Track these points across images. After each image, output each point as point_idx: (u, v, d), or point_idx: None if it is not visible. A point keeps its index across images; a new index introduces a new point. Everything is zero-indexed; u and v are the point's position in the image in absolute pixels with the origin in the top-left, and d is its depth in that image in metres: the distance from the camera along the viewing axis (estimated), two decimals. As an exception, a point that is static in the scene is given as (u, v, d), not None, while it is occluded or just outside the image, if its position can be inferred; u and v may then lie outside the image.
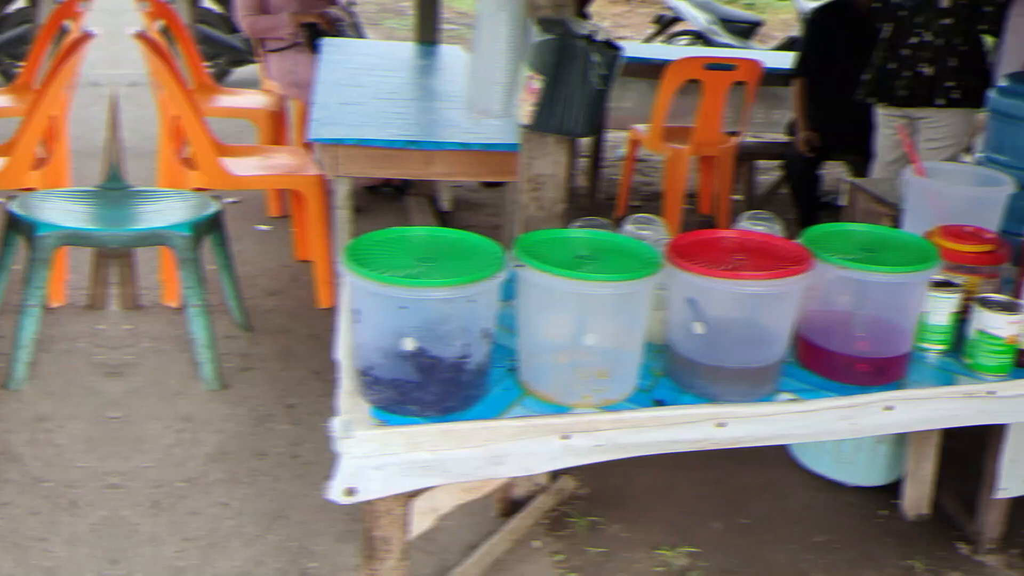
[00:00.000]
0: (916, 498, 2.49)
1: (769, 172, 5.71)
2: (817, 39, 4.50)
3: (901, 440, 2.47)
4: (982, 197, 1.94)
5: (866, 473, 2.58)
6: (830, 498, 2.57)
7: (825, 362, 1.60)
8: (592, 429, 1.47)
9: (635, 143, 4.83)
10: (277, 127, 4.59)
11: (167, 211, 2.99)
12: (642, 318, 1.50)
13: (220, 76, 7.35)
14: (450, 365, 1.44)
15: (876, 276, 1.51)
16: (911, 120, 3.85)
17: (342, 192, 2.84)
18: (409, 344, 1.42)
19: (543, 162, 2.16)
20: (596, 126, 2.12)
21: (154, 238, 2.87)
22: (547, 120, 2.05)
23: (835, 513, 2.51)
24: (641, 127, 4.70)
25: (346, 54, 4.37)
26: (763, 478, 2.62)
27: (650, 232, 1.85)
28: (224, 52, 7.41)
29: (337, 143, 2.78)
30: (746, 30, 8.57)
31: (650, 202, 5.47)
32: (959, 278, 1.74)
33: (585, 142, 5.21)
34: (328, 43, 4.57)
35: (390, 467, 1.43)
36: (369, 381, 1.47)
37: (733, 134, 4.64)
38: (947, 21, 3.63)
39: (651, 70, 4.65)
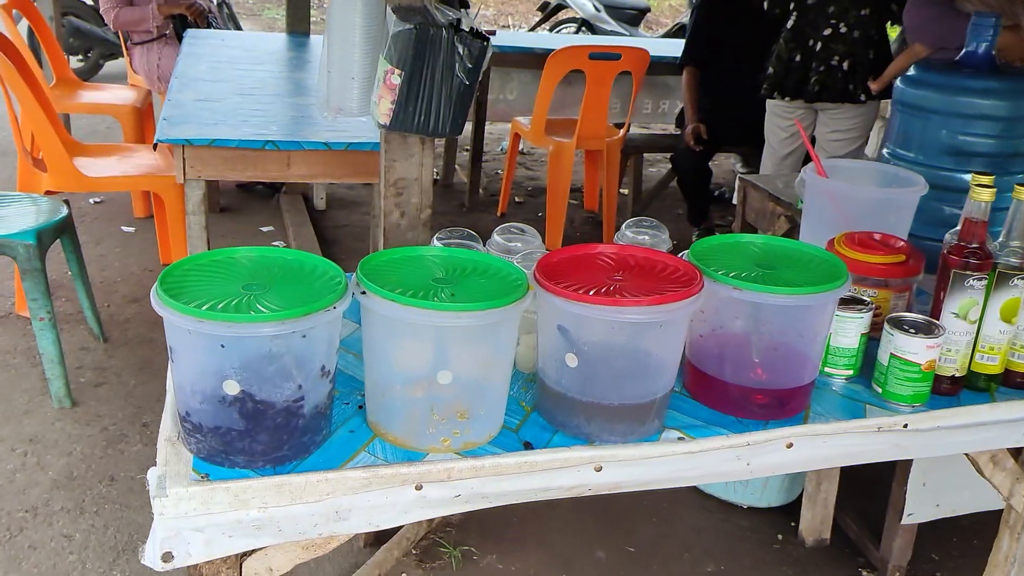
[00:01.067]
0: (816, 522, 2.34)
1: (660, 165, 5.59)
2: (705, 27, 4.35)
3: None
4: (891, 199, 1.78)
5: (762, 494, 2.43)
6: (723, 521, 2.40)
7: (718, 394, 1.40)
8: (450, 478, 1.24)
9: (517, 136, 4.61)
10: (143, 123, 4.27)
11: (12, 218, 2.74)
12: (507, 350, 1.27)
13: (92, 70, 6.96)
14: (281, 410, 1.19)
15: (774, 298, 1.31)
16: (812, 111, 3.72)
17: (193, 197, 2.52)
18: (231, 388, 1.16)
19: (406, 165, 1.91)
20: (463, 123, 1.87)
21: (-3, 247, 2.61)
22: (408, 119, 1.80)
23: (728, 538, 2.34)
24: (524, 120, 4.48)
25: (209, 46, 4.02)
26: (650, 500, 2.44)
27: (521, 244, 1.62)
28: (96, 45, 6.99)
29: (186, 144, 2.46)
30: (634, 17, 8.45)
31: (535, 197, 5.27)
32: (868, 292, 1.57)
33: (466, 135, 4.97)
34: (191, 35, 4.22)
35: (213, 528, 1.19)
36: (189, 428, 1.20)
37: (621, 126, 4.47)
38: (864, 12, 3.50)
39: (534, 60, 4.44)
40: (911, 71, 1.96)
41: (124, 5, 4.39)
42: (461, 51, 1.77)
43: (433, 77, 1.77)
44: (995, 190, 1.41)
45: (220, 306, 1.14)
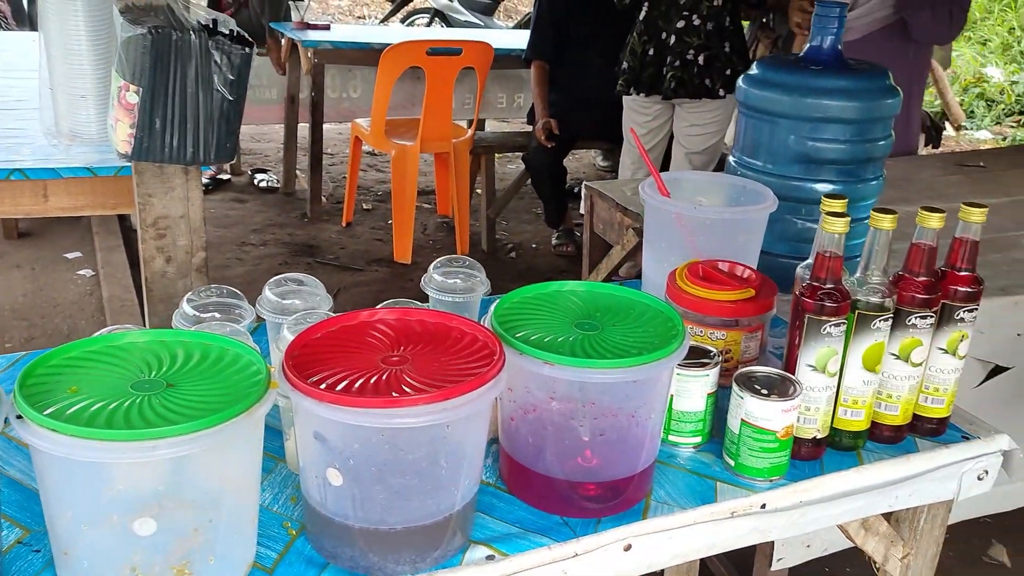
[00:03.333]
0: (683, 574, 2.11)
1: (519, 161, 5.36)
2: (548, 18, 4.09)
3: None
4: (738, 219, 1.54)
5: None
6: None
7: (538, 489, 1.11)
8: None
9: (359, 140, 4.26)
10: None
11: None
12: (247, 469, 0.96)
13: None
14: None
15: (601, 373, 1.04)
16: (670, 106, 3.53)
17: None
18: None
19: (165, 201, 1.56)
20: (234, 146, 1.52)
21: None
22: (156, 146, 1.46)
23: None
24: (364, 121, 4.14)
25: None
26: None
27: (298, 300, 1.30)
28: None
29: None
30: (488, 6, 8.18)
31: (385, 202, 4.93)
32: (715, 335, 1.32)
33: (304, 136, 4.60)
34: None
35: None
36: None
37: (471, 124, 4.18)
38: (717, 2, 3.30)
39: (375, 55, 4.10)
40: (753, 70, 1.73)
41: None
42: (219, 60, 1.44)
43: (184, 93, 1.43)
44: (849, 219, 1.17)
45: None
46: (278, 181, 5.02)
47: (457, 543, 1.04)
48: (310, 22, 4.52)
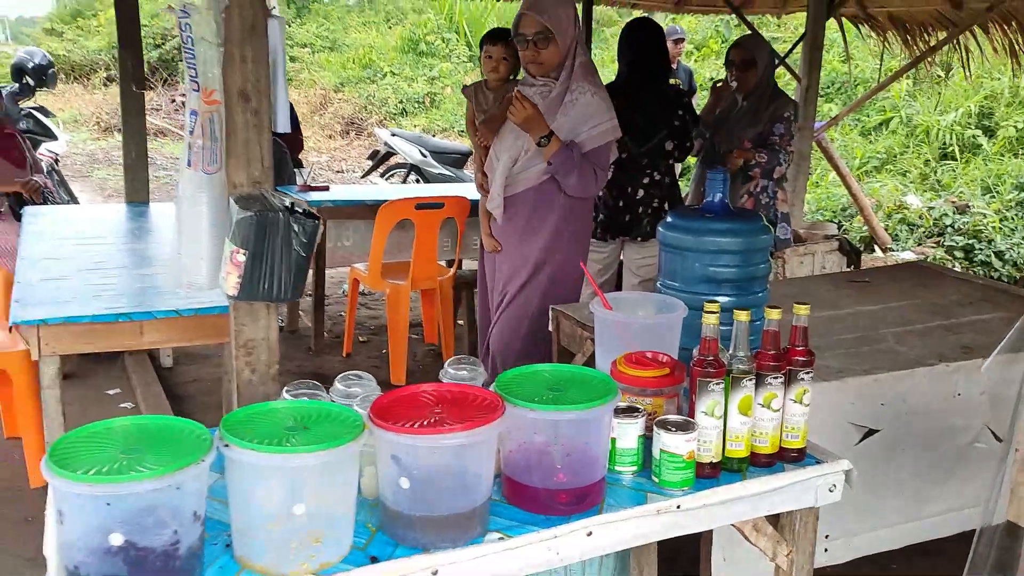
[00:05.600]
0: (642, 602, 2.66)
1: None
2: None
3: (626, 566, 2.64)
4: (659, 323, 2.18)
5: (595, 586, 2.73)
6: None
7: (528, 497, 1.71)
8: (318, 595, 1.50)
9: (356, 281, 4.94)
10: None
11: None
12: (351, 480, 1.56)
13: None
14: (160, 554, 1.42)
15: (564, 414, 1.66)
16: (620, 243, 4.21)
17: (49, 372, 2.70)
18: (116, 539, 1.39)
19: (254, 328, 2.19)
20: (302, 288, 2.18)
21: None
22: (254, 289, 2.09)
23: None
24: (361, 266, 4.82)
25: (50, 223, 4.20)
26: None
27: (359, 388, 1.93)
28: None
29: (41, 324, 2.65)
30: (458, 159, 9.06)
31: (378, 335, 5.56)
32: (646, 401, 1.94)
33: (308, 282, 5.26)
34: (31, 212, 4.39)
35: None
36: (73, 583, 1.42)
37: (452, 263, 4.88)
38: (671, 160, 4.07)
39: (367, 210, 4.82)
40: (669, 218, 2.42)
41: None
42: (296, 229, 2.10)
43: (273, 253, 2.08)
44: (719, 314, 1.82)
45: (104, 470, 1.38)
46: (283, 321, 5.66)
47: (479, 530, 1.63)
48: (312, 184, 5.27)
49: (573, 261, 3.37)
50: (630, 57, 4.03)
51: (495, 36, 4.03)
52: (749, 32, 6.05)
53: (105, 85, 15.10)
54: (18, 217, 4.77)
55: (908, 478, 2.65)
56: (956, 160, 9.53)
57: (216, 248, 2.14)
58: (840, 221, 8.41)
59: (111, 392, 4.40)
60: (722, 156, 4.38)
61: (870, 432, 2.57)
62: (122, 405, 4.23)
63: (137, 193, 4.96)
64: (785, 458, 1.94)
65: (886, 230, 7.96)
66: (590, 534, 1.71)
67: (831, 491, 1.95)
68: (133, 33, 4.79)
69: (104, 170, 11.58)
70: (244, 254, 2.04)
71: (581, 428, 1.71)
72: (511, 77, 4.00)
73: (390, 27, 16.60)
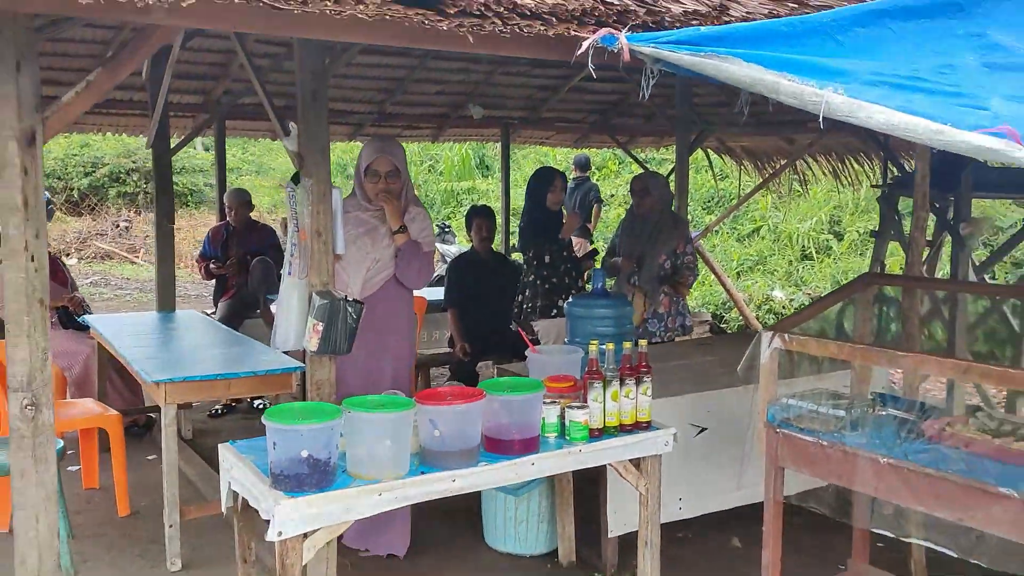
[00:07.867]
0: (566, 551, 4.08)
1: (443, 375, 7.45)
2: (456, 280, 6.35)
3: (554, 518, 4.09)
4: (567, 361, 3.68)
5: (535, 544, 4.16)
6: (513, 565, 4.11)
7: (499, 446, 3.16)
8: (397, 488, 2.90)
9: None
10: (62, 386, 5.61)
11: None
12: (408, 433, 3.00)
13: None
14: (323, 463, 2.81)
15: (515, 398, 3.13)
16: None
17: (169, 412, 4.04)
18: (304, 453, 2.79)
19: (322, 371, 3.62)
20: (352, 344, 3.63)
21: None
22: (326, 347, 3.54)
23: (516, 572, 4.05)
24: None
25: (113, 325, 5.55)
26: (457, 552, 4.11)
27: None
28: None
29: (168, 381, 4.02)
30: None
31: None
32: (561, 397, 3.41)
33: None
34: (93, 320, 5.72)
35: (293, 520, 2.76)
36: (282, 478, 2.80)
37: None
38: (568, 265, 5.69)
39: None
40: (571, 301, 3.97)
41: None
42: (350, 310, 3.56)
43: (337, 325, 3.53)
44: (596, 348, 3.34)
45: (296, 419, 2.79)
46: (270, 404, 6.97)
47: (476, 459, 3.07)
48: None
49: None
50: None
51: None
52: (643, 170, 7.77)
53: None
54: (64, 326, 6.06)
55: (727, 461, 4.16)
56: (813, 260, 11.47)
57: (301, 324, 3.58)
58: (721, 313, 10.14)
59: (150, 458, 5.65)
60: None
61: (703, 429, 4.09)
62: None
63: (166, 304, 6.30)
64: (639, 426, 3.43)
65: (757, 319, 9.70)
66: (534, 464, 3.16)
67: (666, 445, 3.45)
68: (166, 180, 6.23)
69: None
70: (321, 325, 3.49)
71: (524, 405, 3.18)
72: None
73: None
